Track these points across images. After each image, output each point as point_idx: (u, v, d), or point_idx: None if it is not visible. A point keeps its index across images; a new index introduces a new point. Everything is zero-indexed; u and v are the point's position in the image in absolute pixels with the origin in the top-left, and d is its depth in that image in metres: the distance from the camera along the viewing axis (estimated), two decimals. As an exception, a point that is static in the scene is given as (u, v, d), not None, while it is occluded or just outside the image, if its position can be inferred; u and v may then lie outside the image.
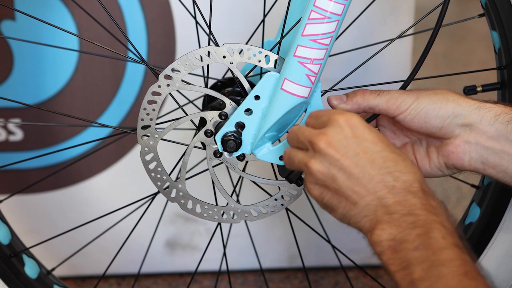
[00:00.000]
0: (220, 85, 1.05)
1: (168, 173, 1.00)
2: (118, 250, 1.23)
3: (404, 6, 1.46)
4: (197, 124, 1.02)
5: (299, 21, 0.89)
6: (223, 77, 1.09)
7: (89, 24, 1.40)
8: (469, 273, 0.71)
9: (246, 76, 0.96)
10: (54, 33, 1.39)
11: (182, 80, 0.94)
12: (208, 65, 0.96)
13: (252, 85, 0.94)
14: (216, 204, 1.02)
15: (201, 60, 0.93)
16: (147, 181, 1.02)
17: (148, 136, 0.97)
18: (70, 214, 1.53)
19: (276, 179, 1.01)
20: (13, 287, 1.06)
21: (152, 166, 0.99)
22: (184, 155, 0.99)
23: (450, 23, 1.10)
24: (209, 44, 0.96)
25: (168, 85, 0.94)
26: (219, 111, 0.95)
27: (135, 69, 1.45)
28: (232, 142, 0.94)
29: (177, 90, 0.95)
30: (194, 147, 0.98)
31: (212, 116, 0.96)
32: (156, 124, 0.97)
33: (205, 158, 0.98)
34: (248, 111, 0.94)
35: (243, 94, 0.95)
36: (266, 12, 1.07)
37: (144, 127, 0.97)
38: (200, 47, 0.96)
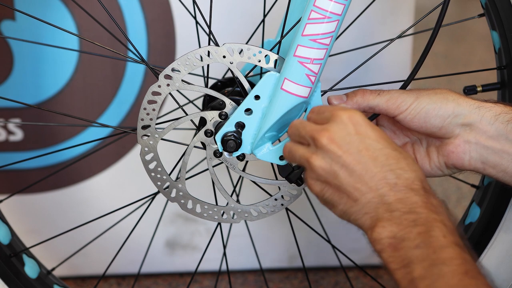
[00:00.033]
0: (220, 85, 1.05)
1: (168, 173, 1.00)
2: (118, 250, 1.23)
3: (404, 6, 1.46)
4: (197, 124, 1.02)
5: (299, 21, 0.89)
6: (223, 77, 1.08)
7: (89, 24, 1.40)
8: (469, 272, 0.71)
9: (246, 76, 0.96)
10: (54, 33, 1.39)
11: (182, 80, 0.94)
12: (208, 65, 0.96)
13: (252, 85, 0.94)
14: (216, 204, 1.02)
15: (201, 60, 0.93)
16: (147, 181, 1.02)
17: (148, 136, 0.97)
18: (70, 214, 1.53)
19: (276, 179, 1.01)
20: (13, 287, 1.06)
21: (152, 166, 0.99)
22: (184, 155, 0.99)
23: (450, 23, 1.10)
24: (209, 44, 0.96)
25: (168, 85, 0.94)
26: (219, 111, 0.95)
27: (135, 69, 1.45)
28: (232, 142, 0.94)
29: (177, 90, 0.95)
30: (194, 147, 0.98)
31: (212, 116, 0.95)
32: (156, 124, 0.97)
33: (205, 158, 0.98)
34: (248, 111, 0.94)
35: (243, 94, 0.95)
36: (266, 12, 1.07)
37: (144, 127, 0.97)
38: (200, 47, 0.96)
